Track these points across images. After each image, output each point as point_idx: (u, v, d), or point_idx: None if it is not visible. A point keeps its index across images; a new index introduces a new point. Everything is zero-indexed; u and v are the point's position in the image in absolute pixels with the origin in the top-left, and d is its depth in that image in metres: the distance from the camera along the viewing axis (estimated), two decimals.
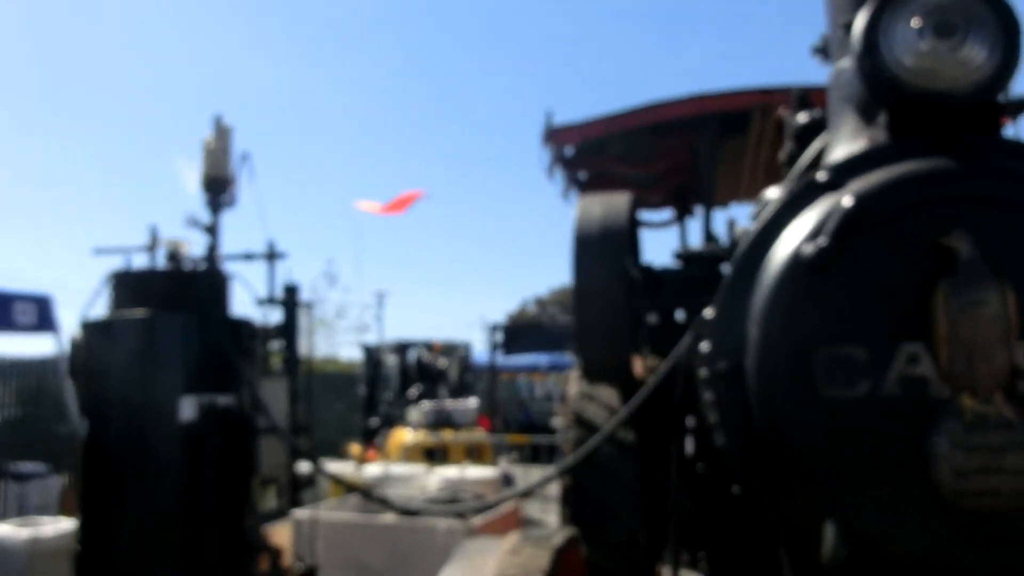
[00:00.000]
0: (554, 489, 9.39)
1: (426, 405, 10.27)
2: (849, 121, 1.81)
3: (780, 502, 1.41)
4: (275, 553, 4.49)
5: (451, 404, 10.49)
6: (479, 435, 10.33)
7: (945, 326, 1.29)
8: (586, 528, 4.93)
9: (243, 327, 4.53)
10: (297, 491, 5.26)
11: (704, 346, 1.57)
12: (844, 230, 1.33)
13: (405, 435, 9.96)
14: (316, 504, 6.41)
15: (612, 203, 4.74)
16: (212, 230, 4.74)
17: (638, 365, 5.15)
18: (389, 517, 6.18)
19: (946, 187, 1.35)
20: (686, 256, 4.96)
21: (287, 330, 4.80)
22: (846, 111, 1.82)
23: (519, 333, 13.21)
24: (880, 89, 1.47)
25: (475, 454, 9.73)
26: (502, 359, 14.98)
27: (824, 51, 3.18)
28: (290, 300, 4.79)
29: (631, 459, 4.94)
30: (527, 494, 3.91)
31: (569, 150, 5.91)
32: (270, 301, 4.75)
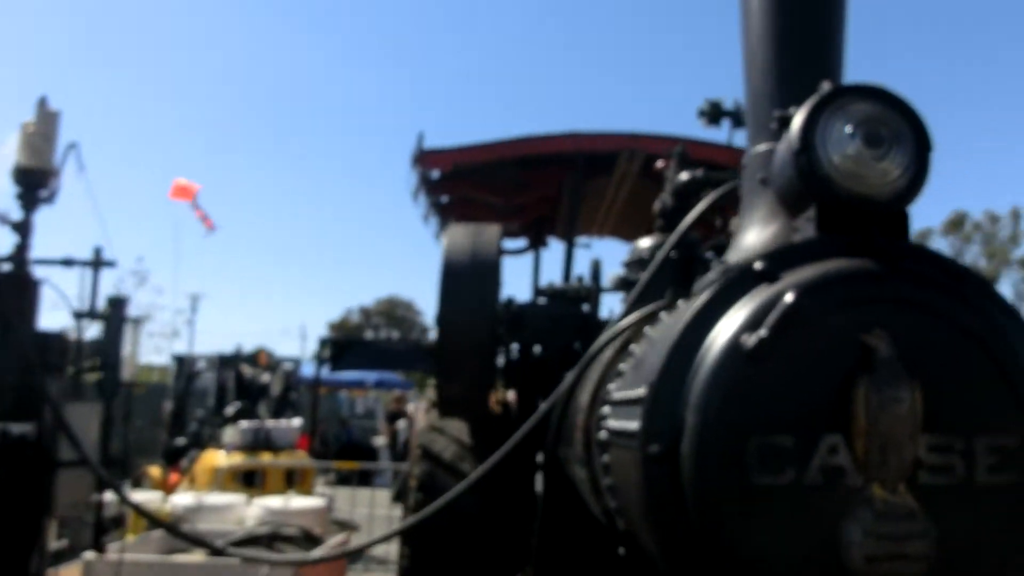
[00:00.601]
0: (382, 517, 9.13)
1: (244, 424, 9.68)
2: (764, 204, 1.91)
3: None
4: None
5: (272, 424, 9.97)
6: (301, 459, 9.89)
7: (864, 420, 1.37)
8: (429, 563, 4.85)
9: (53, 342, 4.06)
10: (103, 531, 4.74)
11: (631, 425, 1.56)
12: (783, 324, 1.37)
13: (218, 458, 9.33)
14: (115, 541, 5.84)
15: (483, 236, 4.73)
16: (22, 228, 4.20)
17: (492, 399, 5.15)
18: (199, 556, 5.76)
19: (869, 288, 1.43)
20: (550, 293, 5.05)
21: (107, 348, 4.33)
22: (761, 194, 1.91)
23: (348, 348, 12.81)
24: (812, 185, 1.55)
25: (296, 479, 9.31)
26: (326, 374, 14.52)
27: (708, 115, 3.36)
28: (115, 314, 4.33)
29: (476, 494, 4.92)
30: (359, 552, 3.76)
31: (435, 173, 5.87)
32: (90, 315, 4.26)
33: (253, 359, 11.47)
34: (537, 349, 4.97)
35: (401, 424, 15.38)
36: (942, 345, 1.42)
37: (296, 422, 10.56)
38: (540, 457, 4.31)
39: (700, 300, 1.55)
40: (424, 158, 5.63)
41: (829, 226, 1.58)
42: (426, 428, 5.15)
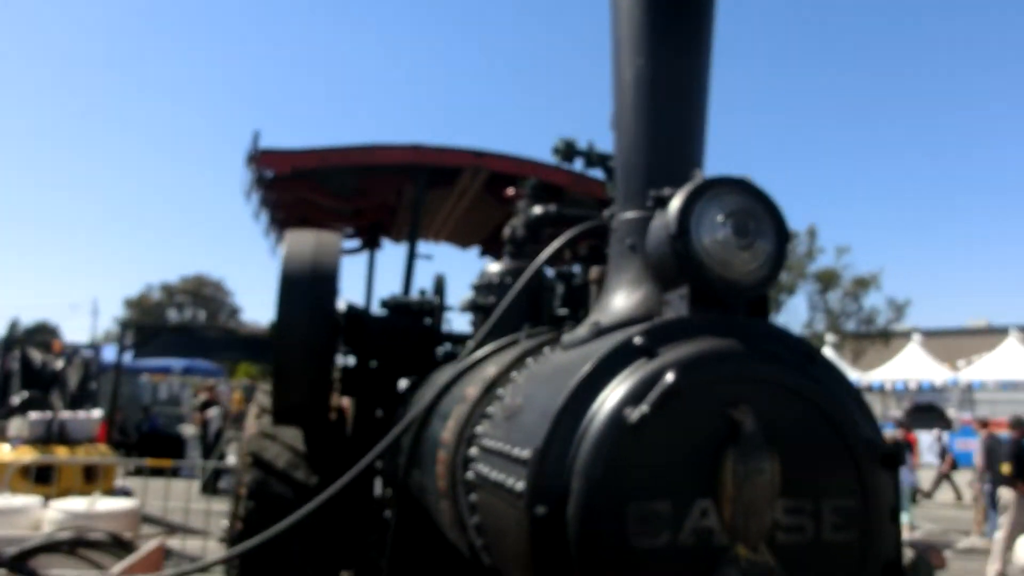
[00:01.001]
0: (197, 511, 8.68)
1: (34, 416, 8.81)
2: (632, 269, 2.06)
3: None
4: None
5: (68, 415, 9.15)
6: (101, 452, 9.15)
7: (731, 487, 1.54)
8: (258, 571, 4.73)
9: None
10: None
11: (514, 483, 1.65)
12: (663, 400, 1.52)
13: (2, 452, 8.42)
14: None
15: (323, 243, 4.65)
16: None
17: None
18: None
19: (735, 367, 1.61)
20: (392, 305, 5.04)
21: None
22: (630, 259, 2.06)
23: (156, 335, 12.01)
24: (686, 267, 1.71)
25: (96, 475, 8.61)
26: (128, 358, 13.47)
27: (562, 153, 3.51)
28: None
29: (307, 502, 4.85)
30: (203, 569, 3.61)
31: (270, 173, 5.66)
32: None
33: (46, 345, 10.44)
34: (374, 362, 4.97)
35: (213, 412, 14.64)
36: (795, 418, 1.62)
37: (96, 413, 9.76)
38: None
39: (583, 371, 1.65)
40: (261, 158, 5.43)
41: (699, 303, 1.75)
42: (257, 435, 4.99)
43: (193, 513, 8.60)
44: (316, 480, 4.85)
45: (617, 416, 1.55)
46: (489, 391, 2.34)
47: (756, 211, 1.73)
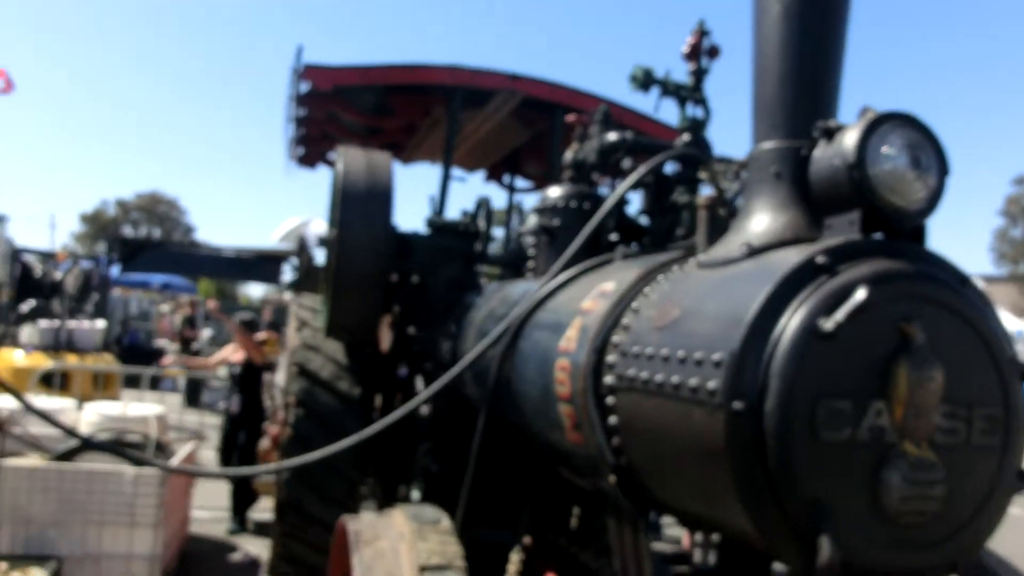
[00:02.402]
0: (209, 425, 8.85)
1: (43, 324, 8.82)
2: (775, 195, 2.22)
3: (770, 520, 1.77)
4: None
5: (74, 324, 9.16)
6: (109, 363, 9.23)
7: (904, 392, 1.75)
8: (308, 480, 4.96)
9: None
10: None
11: (708, 384, 1.84)
12: (854, 312, 1.71)
13: (14, 358, 8.45)
14: None
15: (377, 161, 4.73)
16: None
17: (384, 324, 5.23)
18: (34, 460, 5.41)
19: (908, 286, 1.81)
20: (439, 225, 5.15)
21: None
22: (774, 186, 2.22)
23: (142, 249, 11.91)
24: (859, 194, 1.88)
25: (102, 384, 8.70)
26: (113, 274, 13.39)
27: (639, 82, 3.61)
28: None
29: (354, 413, 5.08)
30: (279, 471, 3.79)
31: (305, 86, 5.66)
32: None
33: (50, 255, 10.34)
34: (416, 279, 5.10)
35: (206, 334, 14.77)
36: (953, 334, 1.82)
37: (100, 323, 9.78)
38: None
39: (772, 284, 1.83)
40: (306, 72, 5.44)
41: (867, 228, 1.93)
42: (301, 346, 5.13)
43: (187, 424, 8.76)
44: (359, 391, 5.04)
45: (811, 325, 1.74)
46: (620, 303, 2.51)
47: (925, 145, 1.90)
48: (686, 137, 3.50)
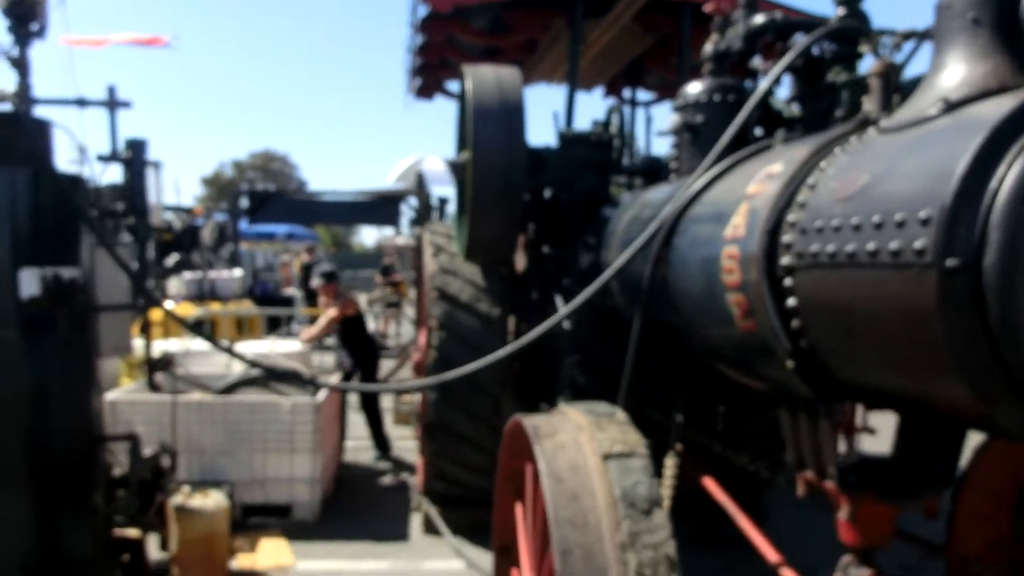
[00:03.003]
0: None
1: (187, 275, 9.38)
2: (973, 43, 2.02)
3: (989, 381, 1.65)
4: (134, 438, 4.01)
5: (214, 274, 9.71)
6: (249, 307, 9.75)
7: None
8: (454, 400, 5.07)
9: (78, 186, 3.80)
10: (154, 371, 4.65)
11: (915, 244, 1.71)
12: None
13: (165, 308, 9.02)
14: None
15: (506, 76, 4.66)
16: (20, 64, 3.82)
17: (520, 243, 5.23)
18: (200, 396, 5.76)
19: None
20: (571, 138, 5.07)
21: (133, 192, 4.07)
22: (969, 34, 2.02)
23: (267, 200, 12.37)
24: None
25: (245, 328, 9.21)
26: (243, 226, 14.07)
27: None
28: (137, 157, 4.05)
29: (494, 333, 5.12)
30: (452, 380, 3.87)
31: (423, 9, 5.62)
32: (112, 157, 3.97)
33: (188, 210, 10.93)
34: (549, 194, 5.05)
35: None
36: None
37: (237, 272, 10.31)
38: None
39: (983, 135, 1.67)
40: None
41: None
42: (439, 271, 5.21)
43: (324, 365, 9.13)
44: (498, 312, 5.08)
45: None
46: (793, 181, 2.38)
47: None
48: (841, 11, 3.25)
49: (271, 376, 5.39)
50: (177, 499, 4.56)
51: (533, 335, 3.42)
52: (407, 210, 11.79)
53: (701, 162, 3.76)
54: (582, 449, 2.20)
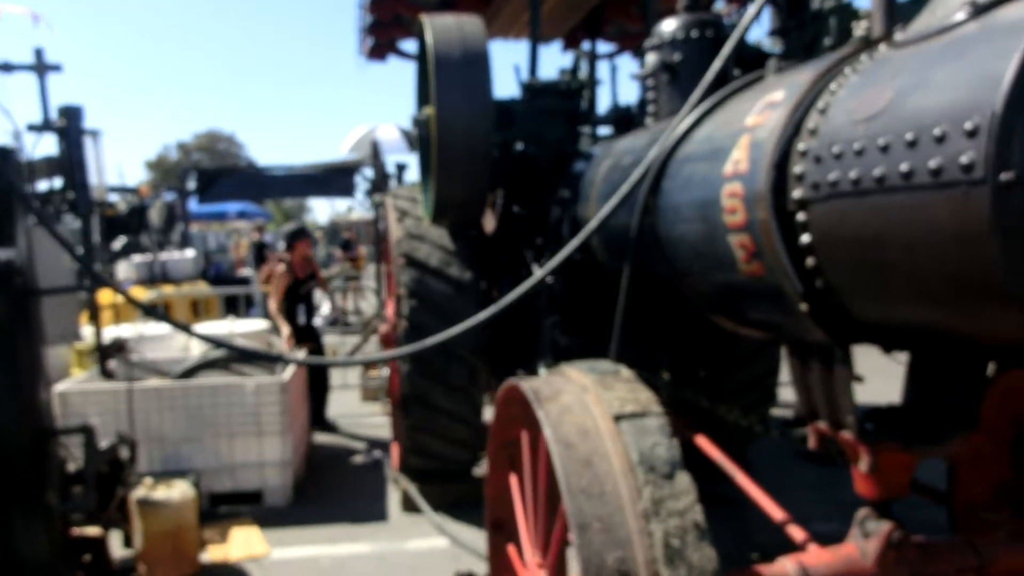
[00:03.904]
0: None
1: (137, 258, 8.94)
2: None
3: None
4: (87, 430, 3.71)
5: (166, 256, 9.27)
6: (203, 288, 9.35)
7: None
8: (429, 371, 4.83)
9: (9, 159, 3.45)
10: (106, 358, 4.33)
11: (961, 159, 1.52)
12: None
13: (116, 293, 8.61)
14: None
15: (467, 26, 4.36)
16: None
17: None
18: (157, 382, 5.45)
19: None
20: (539, 87, 4.80)
21: (72, 164, 3.72)
22: None
23: (216, 177, 11.86)
24: None
25: (201, 311, 8.83)
26: (192, 207, 13.52)
27: None
28: (73, 126, 3.69)
29: (467, 298, 4.89)
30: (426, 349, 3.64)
31: None
32: (45, 126, 3.61)
33: (133, 190, 10.40)
34: (519, 146, 4.80)
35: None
36: None
37: (189, 253, 9.88)
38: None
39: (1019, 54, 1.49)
40: None
41: None
42: (404, 236, 4.95)
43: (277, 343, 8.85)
44: (470, 276, 4.85)
45: None
46: (799, 107, 2.18)
47: None
48: None
49: (241, 356, 5.10)
50: (139, 492, 4.27)
51: (513, 296, 3.20)
52: (362, 181, 11.40)
53: (681, 104, 3.56)
54: (590, 411, 2.00)
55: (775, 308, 2.40)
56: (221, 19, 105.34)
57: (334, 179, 11.37)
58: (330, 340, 10.91)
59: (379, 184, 9.16)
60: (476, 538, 4.57)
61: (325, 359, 6.84)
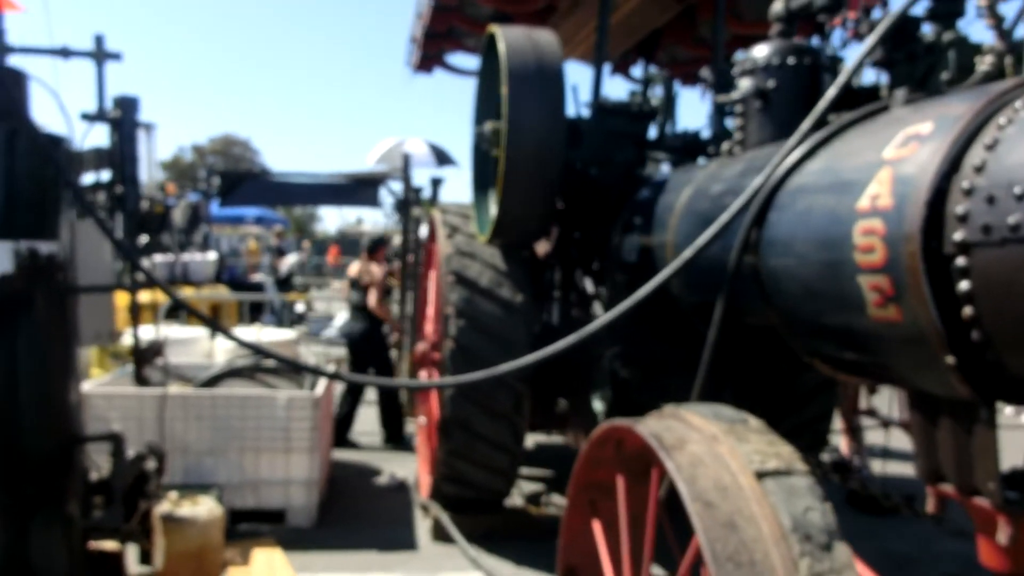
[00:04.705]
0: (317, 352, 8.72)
1: (158, 258, 8.74)
2: None
3: None
4: (117, 438, 3.49)
5: (187, 258, 9.08)
6: (224, 293, 9.15)
7: None
8: (474, 396, 4.60)
9: (60, 148, 3.25)
10: (142, 362, 4.11)
11: None
12: None
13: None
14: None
15: (543, 38, 4.18)
16: None
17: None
18: (197, 389, 5.24)
19: None
20: (609, 109, 4.62)
21: (122, 156, 3.55)
22: None
23: (239, 182, 11.67)
24: None
25: (221, 316, 8.62)
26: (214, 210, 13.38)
27: None
28: (128, 117, 3.52)
29: (518, 321, 4.67)
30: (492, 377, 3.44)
31: None
32: (99, 116, 3.44)
33: (160, 187, 10.22)
34: (583, 169, 4.61)
35: (291, 258, 14.82)
36: None
37: (211, 255, 9.68)
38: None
39: None
40: None
41: None
42: (455, 253, 4.74)
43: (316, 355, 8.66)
44: (522, 298, 4.64)
45: None
46: (958, 142, 1.98)
47: None
48: None
49: (289, 367, 4.88)
50: (164, 507, 4.04)
51: (597, 325, 3.00)
52: (387, 193, 11.21)
53: (773, 132, 3.38)
54: (727, 465, 1.78)
55: (908, 358, 2.19)
56: (241, 22, 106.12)
57: (359, 190, 11.18)
58: (341, 352, 10.70)
59: (409, 198, 8.98)
60: (513, 574, 4.33)
61: (374, 379, 6.61)
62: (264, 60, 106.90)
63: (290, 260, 14.84)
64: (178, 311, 8.35)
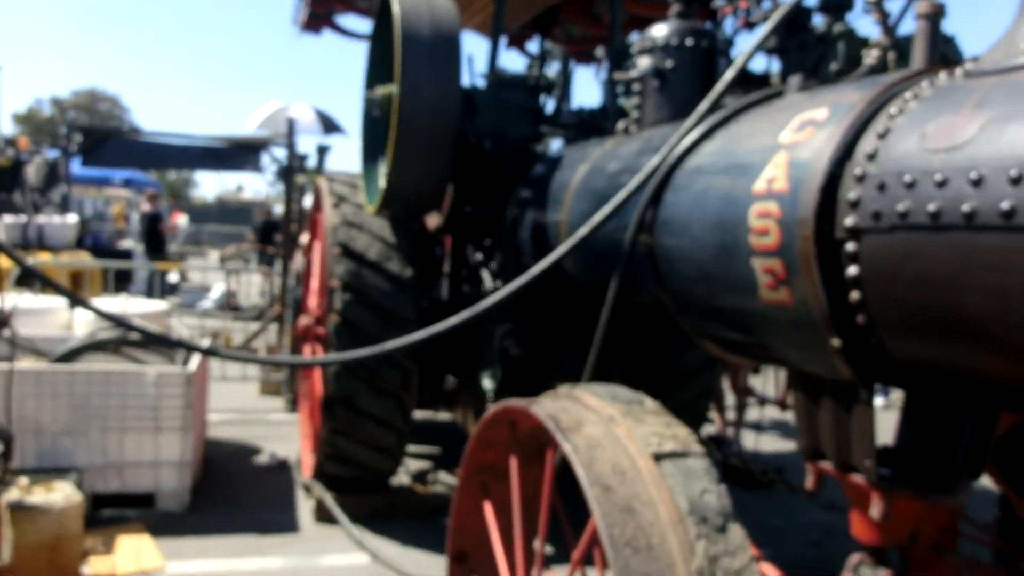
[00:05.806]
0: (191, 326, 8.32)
1: (8, 219, 8.00)
2: None
3: None
4: None
5: (44, 220, 8.35)
6: (87, 259, 8.48)
7: None
8: (360, 372, 4.47)
9: None
10: None
11: None
12: None
13: None
14: None
15: (439, 4, 4.04)
16: None
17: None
18: (32, 363, 4.85)
19: None
20: (506, 81, 4.52)
21: None
22: None
23: (106, 140, 10.87)
24: None
25: (83, 284, 8.00)
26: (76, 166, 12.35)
27: None
28: None
29: (407, 296, 4.57)
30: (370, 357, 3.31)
31: None
32: None
33: (10, 141, 9.33)
34: (475, 142, 4.51)
35: (183, 221, 14.05)
36: None
37: (71, 218, 8.96)
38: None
39: None
40: None
41: None
42: (342, 224, 4.56)
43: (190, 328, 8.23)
44: (411, 272, 4.53)
45: None
46: (852, 128, 2.01)
47: None
48: None
49: (153, 341, 4.57)
50: (12, 494, 3.70)
51: (491, 301, 2.93)
52: (270, 161, 10.74)
53: (669, 112, 3.39)
54: (625, 447, 1.75)
55: (795, 340, 2.23)
56: None
57: (239, 154, 10.66)
58: (218, 325, 10.24)
59: (294, 165, 8.61)
60: (398, 554, 4.24)
61: (262, 357, 6.30)
62: (138, 9, 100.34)
63: (182, 224, 14.00)
64: (30, 278, 7.72)
